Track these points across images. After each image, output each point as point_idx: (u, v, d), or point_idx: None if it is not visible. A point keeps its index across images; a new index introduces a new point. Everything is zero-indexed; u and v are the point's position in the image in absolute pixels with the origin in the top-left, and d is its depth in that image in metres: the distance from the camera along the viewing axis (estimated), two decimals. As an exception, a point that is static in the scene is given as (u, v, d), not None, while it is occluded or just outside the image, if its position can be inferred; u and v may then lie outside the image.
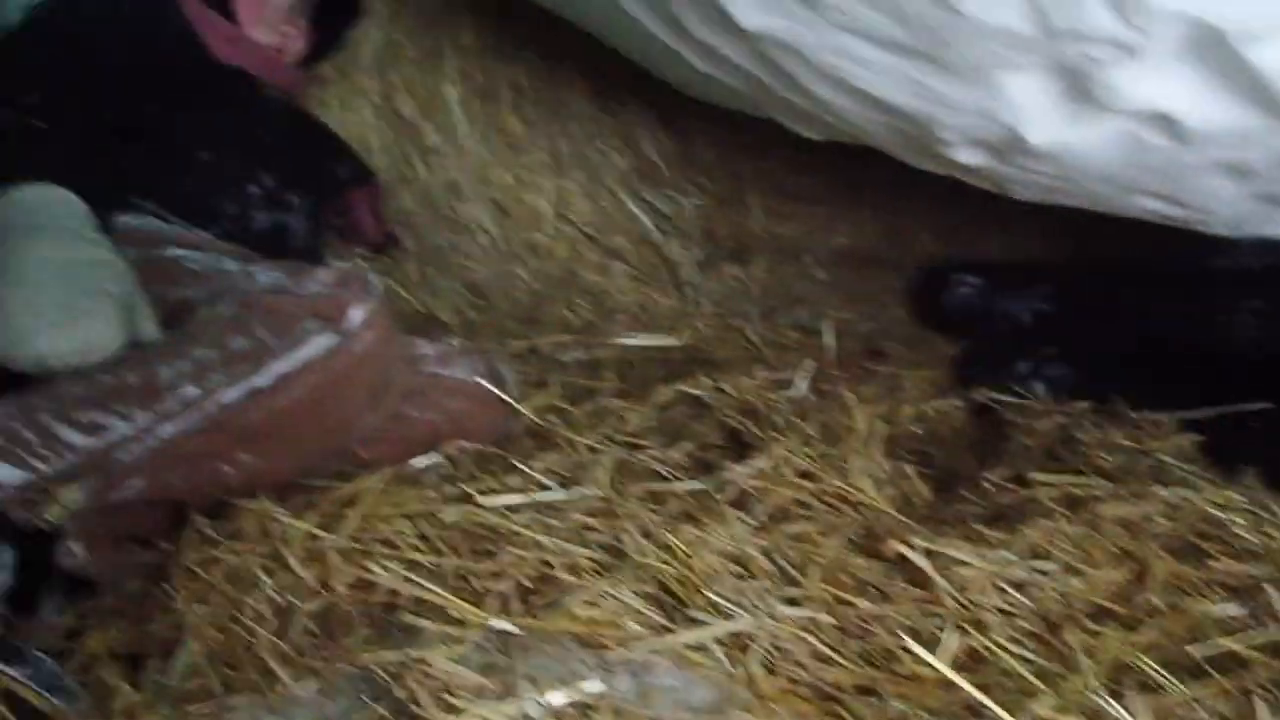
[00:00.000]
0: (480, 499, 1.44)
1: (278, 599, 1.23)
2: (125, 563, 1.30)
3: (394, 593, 1.25)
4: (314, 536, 1.29)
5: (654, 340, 2.48)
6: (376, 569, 1.25)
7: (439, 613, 1.19)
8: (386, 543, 1.32)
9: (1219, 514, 1.57)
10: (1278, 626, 1.33)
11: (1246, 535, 1.53)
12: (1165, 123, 1.36)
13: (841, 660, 1.23)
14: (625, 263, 2.70)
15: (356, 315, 1.43)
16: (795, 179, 2.86)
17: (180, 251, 1.64)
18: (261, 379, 1.35)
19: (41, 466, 1.22)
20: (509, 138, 2.61)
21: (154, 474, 1.30)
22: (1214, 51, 1.27)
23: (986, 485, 1.76)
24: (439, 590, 1.22)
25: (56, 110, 1.59)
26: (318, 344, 1.39)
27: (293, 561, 1.24)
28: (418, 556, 1.30)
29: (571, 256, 2.65)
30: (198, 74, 1.90)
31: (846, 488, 1.65)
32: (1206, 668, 1.25)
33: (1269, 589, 1.39)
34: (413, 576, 1.25)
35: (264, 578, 1.23)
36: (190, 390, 1.31)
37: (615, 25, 1.84)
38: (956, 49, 1.29)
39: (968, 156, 1.55)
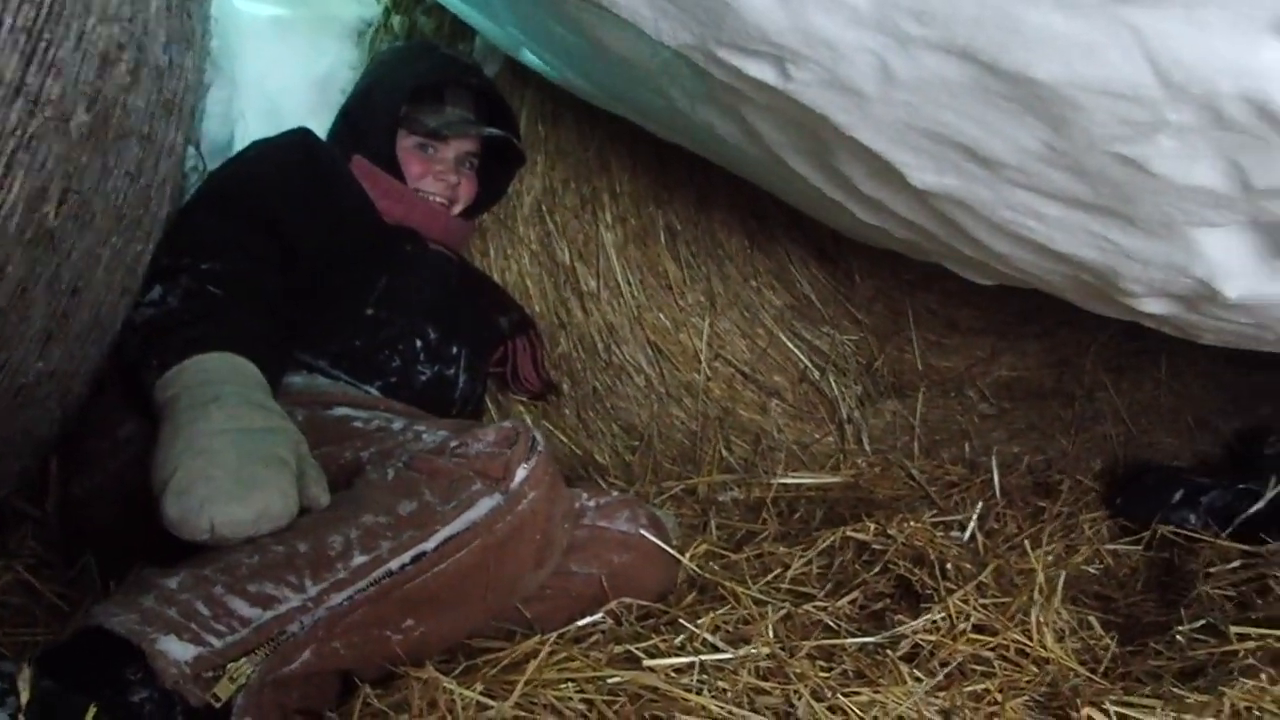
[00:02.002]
0: (646, 661, 1.41)
1: (445, 773, 1.21)
2: (295, 738, 1.30)
3: (562, 765, 1.22)
4: (480, 706, 1.27)
5: (814, 479, 2.45)
6: (544, 739, 1.23)
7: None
8: (552, 709, 1.30)
9: None
10: None
11: None
12: (1375, 273, 1.30)
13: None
14: (783, 401, 2.68)
15: (521, 474, 1.42)
16: (957, 311, 2.82)
17: (347, 411, 1.67)
18: (429, 544, 1.35)
19: (215, 641, 1.21)
20: (664, 280, 2.63)
21: (322, 644, 1.29)
22: None
23: (1178, 637, 1.68)
24: (606, 764, 1.19)
25: (233, 277, 1.63)
26: (483, 505, 1.39)
27: (460, 734, 1.23)
28: (584, 724, 1.27)
29: (728, 396, 2.63)
30: (367, 234, 1.97)
31: (1027, 642, 1.59)
32: None
33: None
34: (578, 749, 1.22)
35: (432, 751, 1.21)
36: (359, 558, 1.31)
37: (776, 176, 1.84)
38: (1145, 206, 1.25)
39: (1153, 306, 1.50)
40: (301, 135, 1.99)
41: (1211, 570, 1.94)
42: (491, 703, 1.28)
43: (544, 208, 2.53)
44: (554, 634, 1.46)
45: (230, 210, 1.74)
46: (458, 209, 2.18)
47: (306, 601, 1.28)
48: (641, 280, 2.60)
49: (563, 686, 1.34)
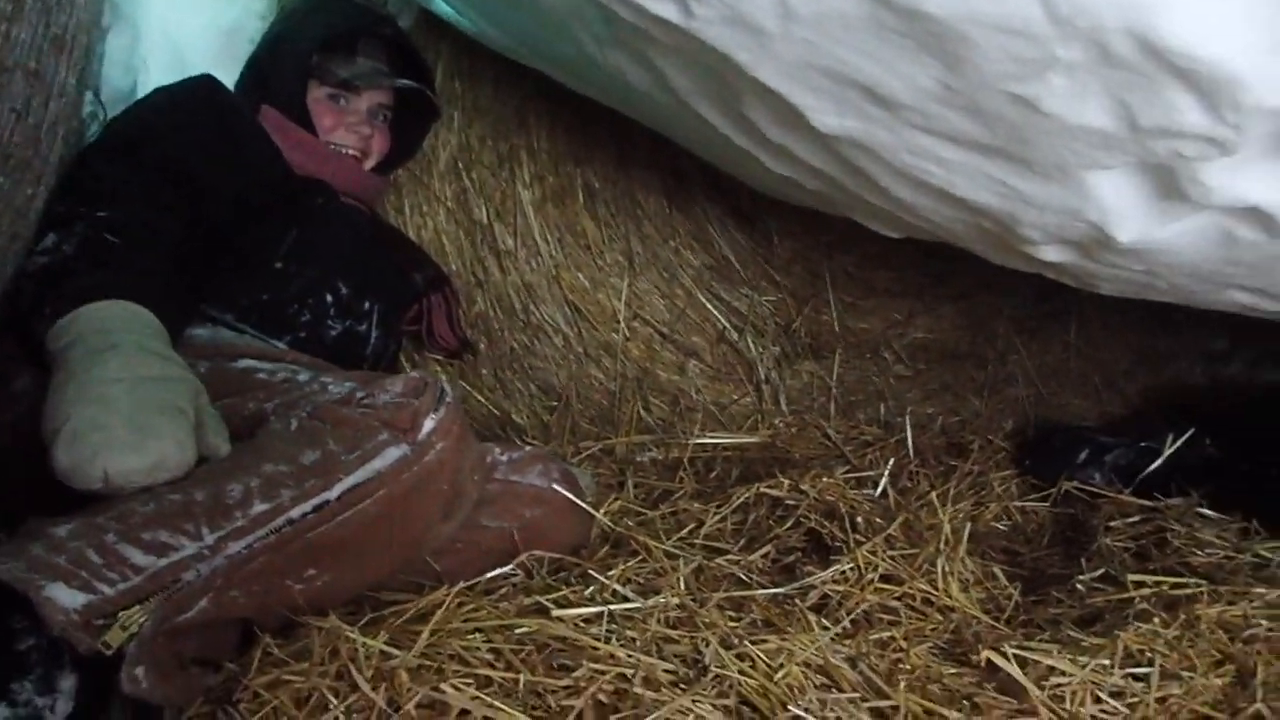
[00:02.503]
0: (555, 611, 1.41)
1: (346, 722, 1.20)
2: (191, 687, 1.26)
3: (465, 713, 1.20)
4: (384, 655, 1.26)
5: (731, 439, 2.47)
6: (448, 688, 1.21)
7: (511, 732, 1.15)
8: (458, 659, 1.29)
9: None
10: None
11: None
12: (1258, 217, 1.32)
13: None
14: (701, 361, 2.68)
15: (429, 425, 1.40)
16: (874, 273, 2.85)
17: (252, 363, 1.64)
18: (331, 493, 1.33)
19: (105, 589, 1.19)
20: (582, 239, 2.62)
21: (220, 593, 1.27)
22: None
23: (1078, 586, 1.72)
24: (511, 711, 1.18)
25: (132, 225, 1.58)
26: (389, 455, 1.37)
27: (361, 682, 1.21)
28: (490, 673, 1.26)
29: (647, 356, 2.64)
30: (276, 187, 1.92)
31: (932, 591, 1.62)
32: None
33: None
34: (483, 696, 1.20)
35: (332, 700, 1.19)
36: (259, 506, 1.29)
37: (687, 127, 1.84)
38: (1039, 148, 1.27)
39: (1052, 254, 1.52)
40: (205, 81, 1.94)
41: (1112, 524, 2.00)
42: (396, 652, 1.27)
43: (460, 164, 2.50)
44: (461, 584, 1.46)
45: (130, 157, 1.69)
46: (370, 162, 2.15)
47: (203, 549, 1.26)
48: (560, 239, 2.59)
49: (470, 636, 1.33)
